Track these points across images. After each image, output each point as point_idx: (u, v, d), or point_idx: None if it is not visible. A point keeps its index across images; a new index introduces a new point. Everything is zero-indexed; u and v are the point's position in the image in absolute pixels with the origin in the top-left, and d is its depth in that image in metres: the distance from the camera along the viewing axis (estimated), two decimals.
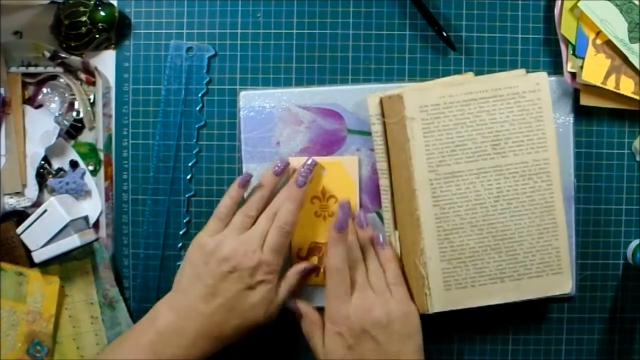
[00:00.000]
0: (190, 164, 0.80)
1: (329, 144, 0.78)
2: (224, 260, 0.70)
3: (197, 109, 0.79)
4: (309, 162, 0.75)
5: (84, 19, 0.77)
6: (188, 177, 0.80)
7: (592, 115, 0.78)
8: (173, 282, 0.73)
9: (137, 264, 0.81)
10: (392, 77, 0.78)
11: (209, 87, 0.79)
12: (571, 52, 0.75)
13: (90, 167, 0.80)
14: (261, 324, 0.71)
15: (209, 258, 0.71)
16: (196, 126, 0.79)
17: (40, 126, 0.80)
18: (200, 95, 0.79)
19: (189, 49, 0.79)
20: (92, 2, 0.78)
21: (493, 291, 0.73)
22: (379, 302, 0.70)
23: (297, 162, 0.76)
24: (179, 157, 0.79)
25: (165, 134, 0.80)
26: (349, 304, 0.70)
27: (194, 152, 0.79)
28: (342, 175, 0.77)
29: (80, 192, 0.80)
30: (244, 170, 0.78)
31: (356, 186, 0.77)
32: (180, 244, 0.80)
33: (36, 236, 0.76)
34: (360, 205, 0.77)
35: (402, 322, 0.70)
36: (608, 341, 0.79)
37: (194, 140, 0.80)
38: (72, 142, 0.81)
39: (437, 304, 0.72)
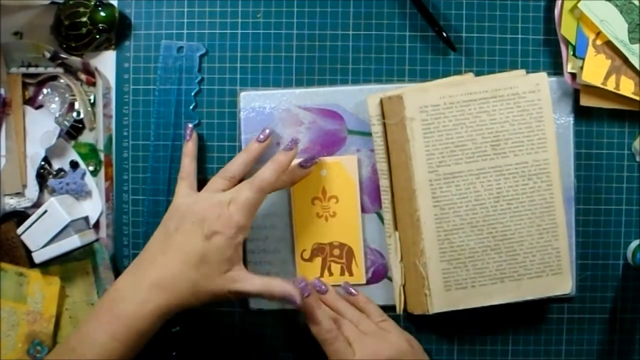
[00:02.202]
0: None
1: (329, 144, 0.78)
2: (191, 214, 0.68)
3: (191, 108, 0.79)
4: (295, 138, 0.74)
5: (84, 19, 0.77)
6: None
7: (592, 115, 0.78)
8: None
9: None
10: (392, 77, 0.78)
11: (210, 87, 0.79)
12: (571, 53, 0.75)
13: (91, 168, 0.80)
14: (220, 287, 0.67)
15: (179, 218, 0.69)
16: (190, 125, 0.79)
17: (41, 127, 0.80)
18: (193, 94, 0.79)
19: (179, 48, 0.79)
20: (92, 3, 0.78)
21: (493, 291, 0.73)
22: (381, 342, 0.70)
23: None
24: (176, 157, 0.79)
25: (160, 134, 0.80)
26: (354, 357, 0.69)
27: None
28: (342, 175, 0.77)
29: (81, 193, 0.80)
30: None
31: (356, 186, 0.77)
32: None
33: (36, 237, 0.76)
34: (361, 206, 0.77)
35: (410, 350, 0.71)
36: (608, 341, 0.79)
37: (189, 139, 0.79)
38: (73, 142, 0.80)
39: (437, 304, 0.72)
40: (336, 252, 0.78)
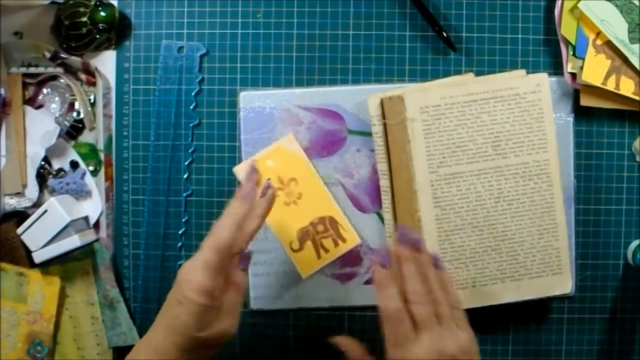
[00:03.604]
0: (186, 163, 0.80)
1: (330, 144, 0.78)
2: (176, 278, 0.64)
3: (191, 108, 0.79)
4: (249, 169, 0.71)
5: (84, 19, 0.77)
6: (185, 176, 0.80)
7: (592, 115, 0.78)
8: None
9: (137, 265, 0.81)
10: (392, 77, 0.78)
11: (210, 87, 0.79)
12: (571, 53, 0.75)
13: (91, 168, 0.80)
14: (208, 342, 0.62)
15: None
16: (190, 125, 0.79)
17: (41, 126, 0.80)
18: (193, 94, 0.79)
19: (180, 48, 0.79)
20: (92, 3, 0.78)
21: (493, 292, 0.73)
22: (449, 336, 0.62)
23: (242, 170, 0.76)
24: (176, 157, 0.79)
25: (160, 134, 0.80)
26: (415, 346, 0.61)
27: (190, 151, 0.79)
28: (287, 156, 0.77)
29: (81, 193, 0.80)
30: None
31: (304, 157, 0.77)
32: (180, 244, 0.80)
33: (37, 237, 0.76)
34: (362, 206, 0.77)
35: (474, 351, 0.63)
36: (608, 341, 0.79)
37: (189, 139, 0.80)
38: (73, 142, 0.80)
39: None
40: (320, 228, 0.77)
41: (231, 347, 0.80)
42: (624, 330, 0.79)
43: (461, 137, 0.72)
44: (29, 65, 0.79)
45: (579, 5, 0.74)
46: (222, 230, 0.63)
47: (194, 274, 0.61)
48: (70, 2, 0.78)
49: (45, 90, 0.80)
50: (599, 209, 0.78)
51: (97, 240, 0.78)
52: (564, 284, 0.74)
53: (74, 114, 0.80)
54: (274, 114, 0.78)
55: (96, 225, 0.80)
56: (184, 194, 0.80)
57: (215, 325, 0.62)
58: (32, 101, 0.81)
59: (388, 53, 0.79)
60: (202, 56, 0.79)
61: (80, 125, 0.80)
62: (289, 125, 0.78)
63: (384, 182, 0.75)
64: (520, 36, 0.78)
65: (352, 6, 0.79)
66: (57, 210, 0.75)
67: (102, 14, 0.77)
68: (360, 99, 0.77)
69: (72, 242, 0.75)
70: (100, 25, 0.77)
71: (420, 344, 0.60)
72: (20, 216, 0.79)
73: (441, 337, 0.61)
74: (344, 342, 0.67)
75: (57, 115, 0.79)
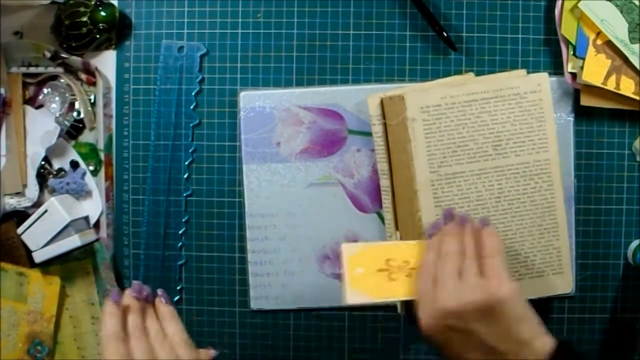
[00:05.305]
0: (186, 163, 0.80)
1: (330, 144, 0.78)
2: None
3: (191, 107, 0.79)
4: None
5: (84, 19, 0.77)
6: (185, 176, 0.80)
7: (592, 115, 0.78)
8: None
9: (137, 265, 0.81)
10: (392, 77, 0.78)
11: (210, 87, 0.79)
12: (571, 53, 0.75)
13: (91, 168, 0.80)
14: None
15: None
16: (191, 125, 0.79)
17: (41, 126, 0.80)
18: (193, 94, 0.79)
19: (180, 48, 0.79)
20: (92, 3, 0.77)
21: None
22: (467, 286, 0.60)
23: None
24: (176, 157, 0.79)
25: (161, 133, 0.80)
26: (431, 301, 0.61)
27: (190, 151, 0.79)
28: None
29: (81, 193, 0.80)
30: (244, 170, 0.78)
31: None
32: (180, 244, 0.80)
33: (37, 236, 0.76)
34: (362, 206, 0.77)
35: (503, 296, 0.59)
36: (608, 341, 0.79)
37: (190, 139, 0.80)
38: (73, 142, 0.80)
39: None
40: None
41: (231, 347, 0.80)
42: (624, 330, 0.79)
43: (462, 136, 0.72)
44: (29, 65, 0.79)
45: (579, 5, 0.74)
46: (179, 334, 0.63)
47: None
48: (71, 2, 0.78)
49: (45, 90, 0.80)
50: (600, 209, 0.78)
51: (97, 240, 0.78)
52: (564, 284, 0.74)
53: (74, 113, 0.80)
54: (274, 114, 0.78)
55: (96, 225, 0.80)
56: (184, 194, 0.80)
57: None
58: (32, 101, 0.81)
59: (388, 53, 0.79)
60: (202, 56, 0.79)
61: (81, 125, 0.80)
62: (289, 125, 0.78)
63: (385, 182, 0.75)
64: (520, 36, 0.78)
65: (352, 6, 0.79)
66: (57, 210, 0.75)
67: (103, 13, 0.77)
68: (360, 98, 0.77)
69: (72, 242, 0.75)
70: (100, 25, 0.77)
71: (435, 299, 0.60)
72: (20, 216, 0.79)
73: (457, 291, 0.60)
74: None
75: (57, 115, 0.79)
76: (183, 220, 0.80)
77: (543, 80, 0.72)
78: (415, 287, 0.64)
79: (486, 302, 0.59)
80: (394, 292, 0.66)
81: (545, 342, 0.58)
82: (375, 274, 0.66)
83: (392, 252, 0.67)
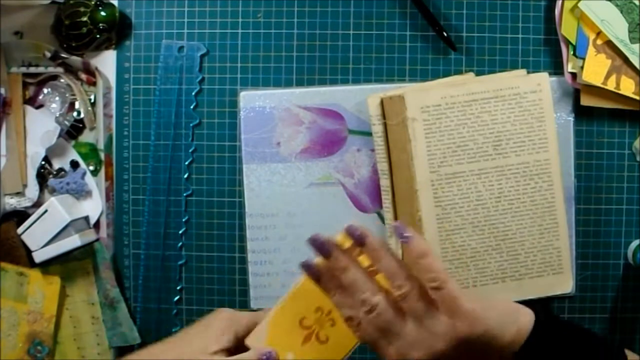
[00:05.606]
0: (186, 163, 0.80)
1: (330, 144, 0.78)
2: None
3: (191, 107, 0.79)
4: None
5: (84, 19, 0.77)
6: (185, 176, 0.80)
7: (592, 115, 0.78)
8: None
9: (137, 264, 0.80)
10: (392, 77, 0.78)
11: (210, 87, 0.79)
12: (572, 53, 0.75)
13: (91, 167, 0.80)
14: None
15: None
16: (191, 125, 0.79)
17: (41, 126, 0.80)
18: (193, 94, 0.79)
19: (180, 48, 0.79)
20: (92, 3, 0.77)
21: (494, 291, 0.73)
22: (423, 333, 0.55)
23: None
24: (176, 156, 0.79)
25: (161, 133, 0.80)
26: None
27: (190, 151, 0.79)
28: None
29: (81, 193, 0.80)
30: (244, 170, 0.78)
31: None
32: (180, 244, 0.80)
33: (37, 236, 0.76)
34: (362, 206, 0.77)
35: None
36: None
37: (190, 139, 0.79)
38: (73, 142, 0.80)
39: None
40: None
41: None
42: (624, 330, 0.79)
43: (462, 136, 0.72)
44: (29, 65, 0.79)
45: (579, 5, 0.74)
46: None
47: None
48: (71, 1, 0.78)
49: (45, 90, 0.80)
50: (600, 209, 0.78)
51: (97, 240, 0.78)
52: (564, 284, 0.74)
53: (74, 113, 0.80)
54: (274, 114, 0.78)
55: (96, 225, 0.80)
56: (185, 194, 0.80)
57: None
58: (32, 101, 0.80)
59: (388, 53, 0.79)
60: (202, 56, 0.79)
61: (81, 125, 0.80)
62: (289, 125, 0.78)
63: (385, 182, 0.75)
64: (520, 36, 0.78)
65: (352, 6, 0.79)
66: (58, 210, 0.75)
67: (103, 13, 0.77)
68: (360, 98, 0.77)
69: (73, 241, 0.75)
70: (100, 25, 0.77)
71: (398, 352, 0.55)
72: (20, 216, 0.79)
73: (418, 342, 0.54)
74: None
75: (57, 115, 0.79)
76: (183, 220, 0.80)
77: (543, 80, 0.72)
78: (361, 339, 0.56)
79: (456, 341, 0.53)
80: (337, 352, 0.56)
81: (525, 322, 0.54)
82: (303, 348, 0.56)
83: (297, 307, 0.57)
